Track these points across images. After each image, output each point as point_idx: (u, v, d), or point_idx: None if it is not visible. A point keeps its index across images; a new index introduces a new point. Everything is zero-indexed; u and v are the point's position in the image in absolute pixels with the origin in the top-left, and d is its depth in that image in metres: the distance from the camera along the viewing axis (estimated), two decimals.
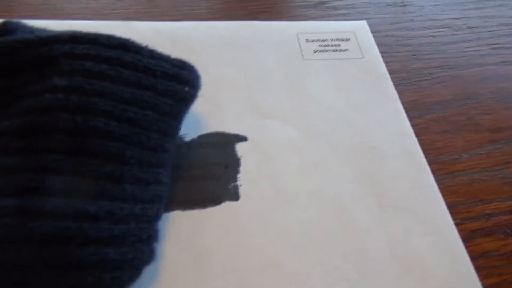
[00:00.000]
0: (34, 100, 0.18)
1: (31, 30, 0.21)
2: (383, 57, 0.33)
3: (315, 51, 0.32)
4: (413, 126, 0.28)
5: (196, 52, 0.31)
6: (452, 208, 0.24)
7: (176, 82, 0.21)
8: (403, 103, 0.29)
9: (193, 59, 0.31)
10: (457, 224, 0.23)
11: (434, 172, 0.26)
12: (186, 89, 0.22)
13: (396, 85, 0.31)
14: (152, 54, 0.21)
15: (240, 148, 0.26)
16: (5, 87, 0.19)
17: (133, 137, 0.19)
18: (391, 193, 0.24)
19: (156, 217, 0.20)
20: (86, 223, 0.17)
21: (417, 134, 0.28)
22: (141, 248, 0.18)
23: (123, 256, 0.17)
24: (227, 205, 0.23)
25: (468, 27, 0.37)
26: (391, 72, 0.32)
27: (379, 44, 0.34)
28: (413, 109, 0.29)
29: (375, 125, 0.28)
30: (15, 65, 0.19)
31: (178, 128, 0.22)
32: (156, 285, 0.20)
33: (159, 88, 0.20)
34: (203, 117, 0.27)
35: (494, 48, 0.35)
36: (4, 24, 0.21)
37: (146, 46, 0.21)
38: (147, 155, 0.20)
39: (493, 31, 0.37)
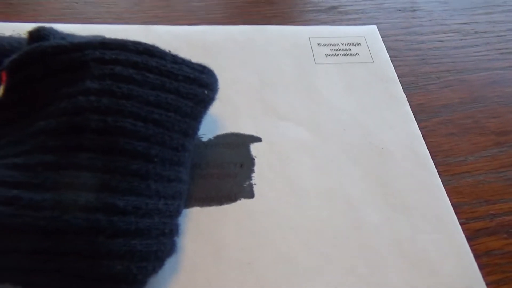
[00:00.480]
0: (68, 102, 0.19)
1: (62, 36, 0.23)
2: (392, 61, 0.34)
3: (326, 55, 0.34)
4: (421, 128, 0.29)
5: (212, 55, 0.33)
6: (457, 208, 0.25)
7: (196, 85, 0.23)
8: (411, 106, 0.30)
9: (209, 62, 0.32)
10: (462, 224, 0.24)
11: (440, 173, 0.27)
12: (206, 92, 0.23)
13: (405, 89, 0.32)
14: (175, 59, 0.22)
15: (254, 148, 0.27)
16: (40, 89, 0.21)
17: (157, 137, 0.20)
18: (399, 192, 0.26)
19: (177, 213, 0.21)
20: (115, 216, 0.18)
21: (424, 137, 0.29)
22: (164, 241, 0.20)
23: (148, 248, 0.19)
24: (242, 203, 0.25)
25: (477, 32, 0.38)
26: (400, 76, 0.33)
27: (388, 49, 0.35)
28: (421, 112, 0.30)
29: (384, 127, 0.29)
30: (49, 69, 0.21)
31: (197, 129, 0.24)
32: (177, 276, 0.21)
33: (181, 91, 0.22)
34: (219, 118, 0.29)
35: (502, 53, 0.36)
36: (38, 30, 0.22)
37: (169, 52, 0.23)
38: (170, 154, 0.21)
39: (501, 36, 0.38)
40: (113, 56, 0.20)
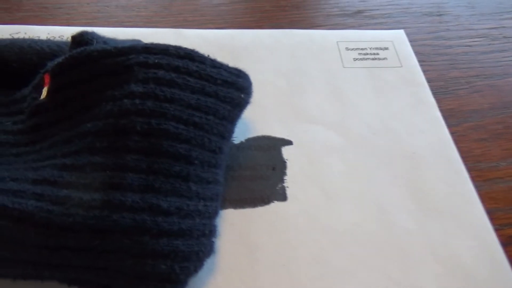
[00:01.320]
0: (113, 105, 0.20)
1: (104, 40, 0.23)
2: (420, 65, 0.34)
3: (354, 59, 0.34)
4: (451, 133, 0.29)
5: (241, 58, 0.33)
6: (491, 214, 0.25)
7: (234, 89, 0.23)
8: (441, 111, 0.30)
9: (238, 65, 0.33)
10: (496, 230, 0.24)
11: (472, 178, 0.27)
12: (242, 95, 0.23)
13: (434, 94, 0.32)
14: (214, 64, 0.23)
15: (286, 151, 0.28)
16: (86, 92, 0.21)
17: (198, 140, 0.21)
18: (431, 197, 0.26)
19: (215, 214, 0.22)
20: (159, 217, 0.19)
21: (455, 142, 0.29)
22: (204, 241, 0.20)
23: (190, 248, 0.19)
24: (275, 205, 0.25)
25: (505, 37, 0.38)
26: (428, 81, 0.33)
27: (416, 53, 0.35)
28: (451, 117, 0.30)
29: (415, 132, 0.29)
30: (94, 72, 0.21)
31: (233, 132, 0.24)
32: (213, 277, 0.22)
33: (219, 94, 0.22)
34: (250, 121, 0.29)
35: None
36: (81, 34, 0.23)
37: (208, 56, 0.23)
38: (208, 156, 0.21)
39: None
40: (156, 61, 0.21)
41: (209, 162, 0.22)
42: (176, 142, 0.20)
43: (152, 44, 0.22)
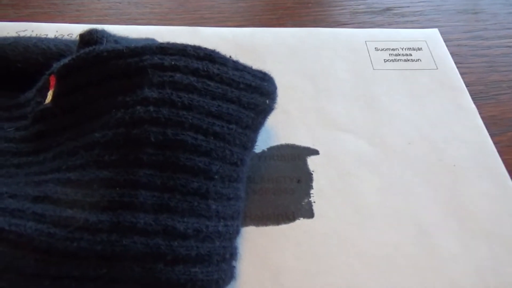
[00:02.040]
0: (125, 112, 0.17)
1: (115, 38, 0.21)
2: (457, 68, 0.31)
3: (385, 61, 0.31)
4: (494, 143, 0.26)
5: (262, 59, 0.31)
6: None
7: (258, 94, 0.21)
8: (482, 118, 0.28)
9: (259, 66, 0.30)
10: None
11: None
12: (267, 101, 0.21)
13: (473, 99, 0.29)
14: (236, 66, 0.20)
15: (311, 161, 0.25)
16: (95, 97, 0.19)
17: (218, 152, 0.18)
18: (476, 216, 0.23)
19: (236, 234, 0.20)
20: (175, 241, 0.16)
21: (499, 153, 0.26)
22: (224, 267, 0.18)
23: (210, 276, 0.17)
24: (301, 222, 0.23)
25: None
26: (466, 85, 0.30)
27: (451, 54, 0.32)
28: (493, 125, 0.28)
29: (455, 142, 0.26)
30: (104, 75, 0.19)
31: (255, 141, 0.22)
32: None
33: (242, 100, 0.20)
34: (272, 128, 0.27)
35: None
36: (89, 32, 0.20)
37: (230, 57, 0.21)
38: (229, 169, 0.19)
39: None
40: (173, 62, 0.18)
41: (230, 176, 0.19)
42: (194, 155, 0.18)
43: (168, 43, 0.19)
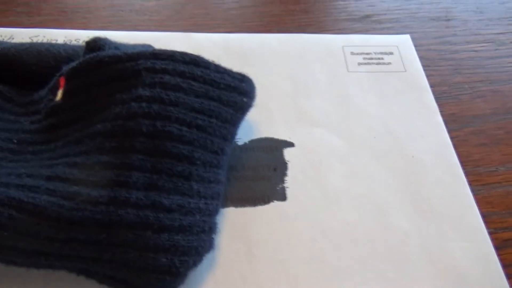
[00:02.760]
0: (122, 108, 0.21)
1: (116, 45, 0.25)
2: (425, 70, 0.34)
3: (359, 64, 0.34)
4: (452, 138, 0.30)
5: (249, 62, 0.34)
6: (487, 218, 0.25)
7: (237, 93, 0.24)
8: (443, 115, 0.31)
9: (246, 68, 0.34)
10: (490, 233, 0.25)
11: (470, 183, 0.27)
12: (245, 99, 0.25)
13: (437, 98, 0.32)
14: (217, 69, 0.24)
15: (287, 153, 0.29)
16: (98, 95, 0.23)
17: (200, 141, 0.22)
18: (428, 200, 0.26)
19: (215, 212, 0.23)
20: (161, 213, 0.20)
21: (455, 146, 0.29)
22: (203, 238, 0.21)
23: (190, 243, 0.20)
24: (275, 204, 0.26)
25: None
26: (432, 86, 0.33)
27: (421, 58, 0.35)
28: (452, 122, 0.31)
29: (415, 136, 0.30)
30: (105, 77, 0.23)
31: (235, 134, 0.25)
32: (213, 272, 0.23)
33: (223, 99, 0.23)
34: (254, 123, 0.30)
35: None
36: (94, 40, 0.24)
37: (213, 61, 0.24)
38: (210, 157, 0.23)
39: None
40: (163, 66, 0.22)
41: (211, 162, 0.23)
42: (179, 143, 0.21)
43: (159, 50, 0.23)
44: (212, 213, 0.23)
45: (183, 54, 0.23)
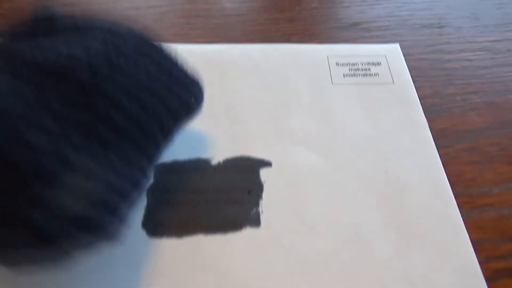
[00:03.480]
0: (68, 48, 0.20)
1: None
2: (415, 81, 0.32)
3: (344, 75, 0.32)
4: (442, 155, 0.27)
5: (227, 74, 0.33)
6: (478, 245, 0.23)
7: (186, 91, 0.24)
8: (433, 130, 0.29)
9: (224, 80, 0.32)
10: (481, 262, 0.23)
11: (460, 205, 0.25)
12: (192, 99, 0.24)
13: (427, 112, 0.30)
14: (177, 63, 0.24)
15: (264, 173, 0.27)
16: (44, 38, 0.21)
17: (133, 113, 0.20)
18: (414, 226, 0.24)
19: (128, 199, 0.20)
20: (65, 168, 0.18)
21: (445, 164, 0.27)
22: (101, 214, 0.19)
23: (82, 212, 0.18)
24: (247, 232, 0.24)
25: (509, 50, 0.36)
26: (422, 98, 0.31)
27: (411, 68, 0.33)
28: (443, 138, 0.29)
29: (401, 154, 0.27)
30: (56, 28, 0.21)
31: (173, 132, 0.23)
32: None
33: (172, 89, 0.22)
34: (229, 140, 0.28)
35: None
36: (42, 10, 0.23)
37: (175, 55, 0.24)
38: (138, 136, 0.21)
39: None
40: (121, 33, 0.21)
41: (138, 143, 0.21)
42: (112, 108, 0.20)
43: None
44: (123, 196, 0.20)
45: (148, 37, 0.22)
